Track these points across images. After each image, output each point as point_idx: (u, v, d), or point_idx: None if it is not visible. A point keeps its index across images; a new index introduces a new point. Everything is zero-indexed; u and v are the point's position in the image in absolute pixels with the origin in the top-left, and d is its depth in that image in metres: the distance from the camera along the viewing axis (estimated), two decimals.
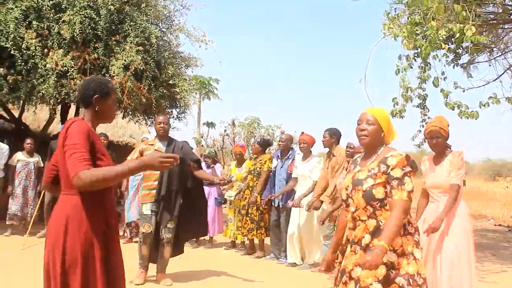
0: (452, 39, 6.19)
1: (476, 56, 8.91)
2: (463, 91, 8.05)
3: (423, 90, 6.93)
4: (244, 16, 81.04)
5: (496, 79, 8.72)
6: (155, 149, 5.09)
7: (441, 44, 5.82)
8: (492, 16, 8.16)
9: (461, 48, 7.56)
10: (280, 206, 6.69)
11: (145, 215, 5.16)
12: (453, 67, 8.51)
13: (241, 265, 6.42)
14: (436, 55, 6.40)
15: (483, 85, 8.69)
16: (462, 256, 3.87)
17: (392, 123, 2.84)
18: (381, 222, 2.63)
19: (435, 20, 5.77)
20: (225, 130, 12.19)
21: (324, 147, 6.20)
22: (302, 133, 6.78)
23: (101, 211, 2.34)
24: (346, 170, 3.46)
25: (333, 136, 6.08)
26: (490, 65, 8.50)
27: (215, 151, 8.18)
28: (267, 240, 7.15)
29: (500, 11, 7.51)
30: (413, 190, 2.61)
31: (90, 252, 2.23)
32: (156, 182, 5.13)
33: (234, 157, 7.94)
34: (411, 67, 6.58)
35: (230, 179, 5.62)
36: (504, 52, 8.79)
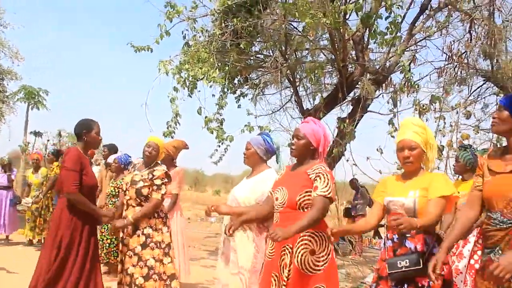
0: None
1: (260, 90, 10.87)
2: (255, 117, 9.79)
3: (220, 115, 8.26)
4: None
5: (279, 109, 10.69)
6: None
7: (195, 82, 7.57)
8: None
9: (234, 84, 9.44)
10: None
11: None
12: (237, 98, 10.31)
13: (33, 260, 7.39)
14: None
15: (272, 113, 10.61)
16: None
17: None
18: None
19: (189, 63, 7.51)
20: (48, 140, 12.94)
21: (104, 159, 7.55)
22: None
23: (80, 210, 3.74)
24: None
25: (111, 150, 7.45)
26: (251, 100, 10.28)
27: (8, 158, 9.08)
28: None
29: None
30: (166, 193, 4.33)
31: (74, 227, 3.68)
32: None
33: (32, 164, 8.91)
34: (191, 97, 8.18)
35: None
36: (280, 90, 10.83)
